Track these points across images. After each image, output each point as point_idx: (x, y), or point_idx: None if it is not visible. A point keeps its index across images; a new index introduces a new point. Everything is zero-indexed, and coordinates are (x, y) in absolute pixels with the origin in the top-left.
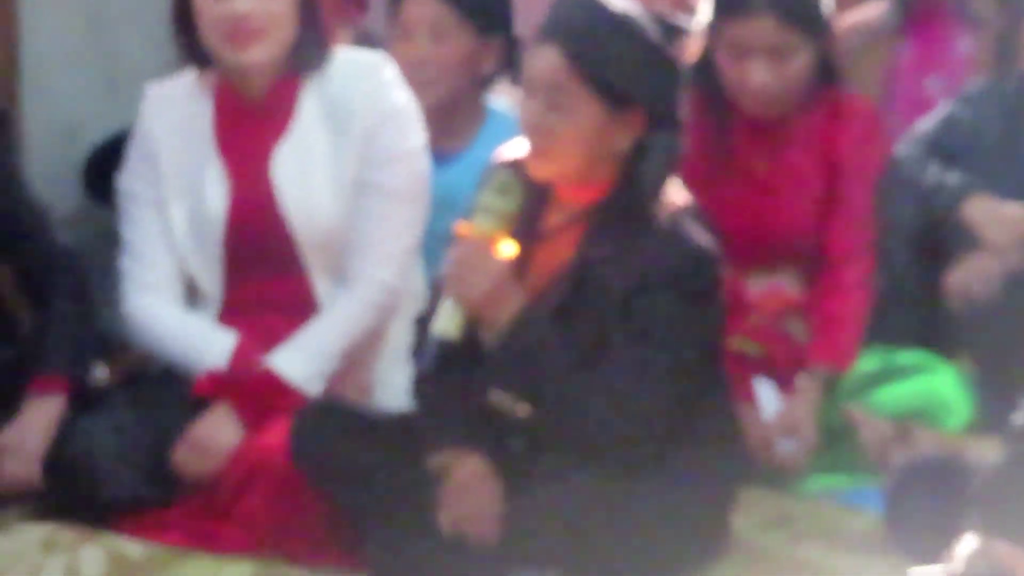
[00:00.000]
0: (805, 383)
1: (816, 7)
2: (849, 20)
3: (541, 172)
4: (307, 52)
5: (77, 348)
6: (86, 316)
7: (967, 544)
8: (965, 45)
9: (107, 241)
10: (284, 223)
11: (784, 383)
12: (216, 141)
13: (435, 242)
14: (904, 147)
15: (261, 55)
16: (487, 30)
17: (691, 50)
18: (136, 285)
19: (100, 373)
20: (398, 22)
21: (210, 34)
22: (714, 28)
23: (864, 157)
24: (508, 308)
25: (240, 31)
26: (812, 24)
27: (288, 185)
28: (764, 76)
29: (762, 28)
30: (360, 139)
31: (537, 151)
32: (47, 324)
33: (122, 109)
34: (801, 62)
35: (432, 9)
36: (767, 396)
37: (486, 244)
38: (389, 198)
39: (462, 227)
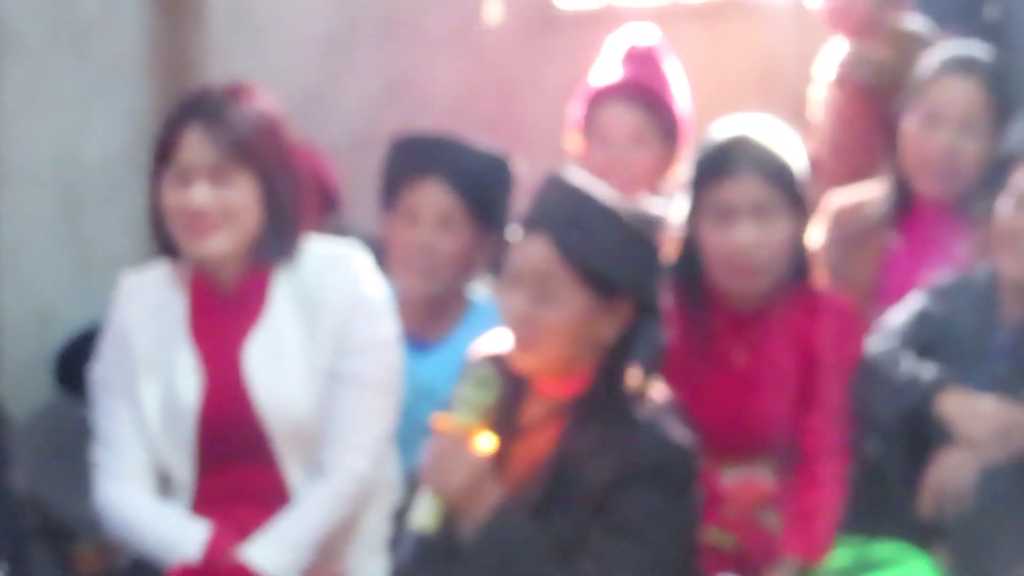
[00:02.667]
0: (778, 575)
1: (796, 175)
2: (846, 200)
3: (525, 364)
4: (274, 243)
5: None
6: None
7: None
8: (963, 247)
9: (79, 434)
10: (256, 413)
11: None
12: (189, 331)
13: (413, 431)
14: (877, 340)
15: (219, 247)
16: (488, 224)
17: (670, 242)
18: (109, 474)
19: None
20: (401, 209)
21: (172, 225)
22: (698, 196)
23: (841, 355)
24: (486, 501)
25: (197, 223)
26: (793, 189)
27: (260, 376)
28: (750, 236)
29: (746, 186)
30: (332, 329)
31: (522, 343)
32: None
33: (96, 295)
34: (783, 226)
35: (443, 199)
36: None
37: (464, 437)
38: (363, 388)
39: (440, 420)
